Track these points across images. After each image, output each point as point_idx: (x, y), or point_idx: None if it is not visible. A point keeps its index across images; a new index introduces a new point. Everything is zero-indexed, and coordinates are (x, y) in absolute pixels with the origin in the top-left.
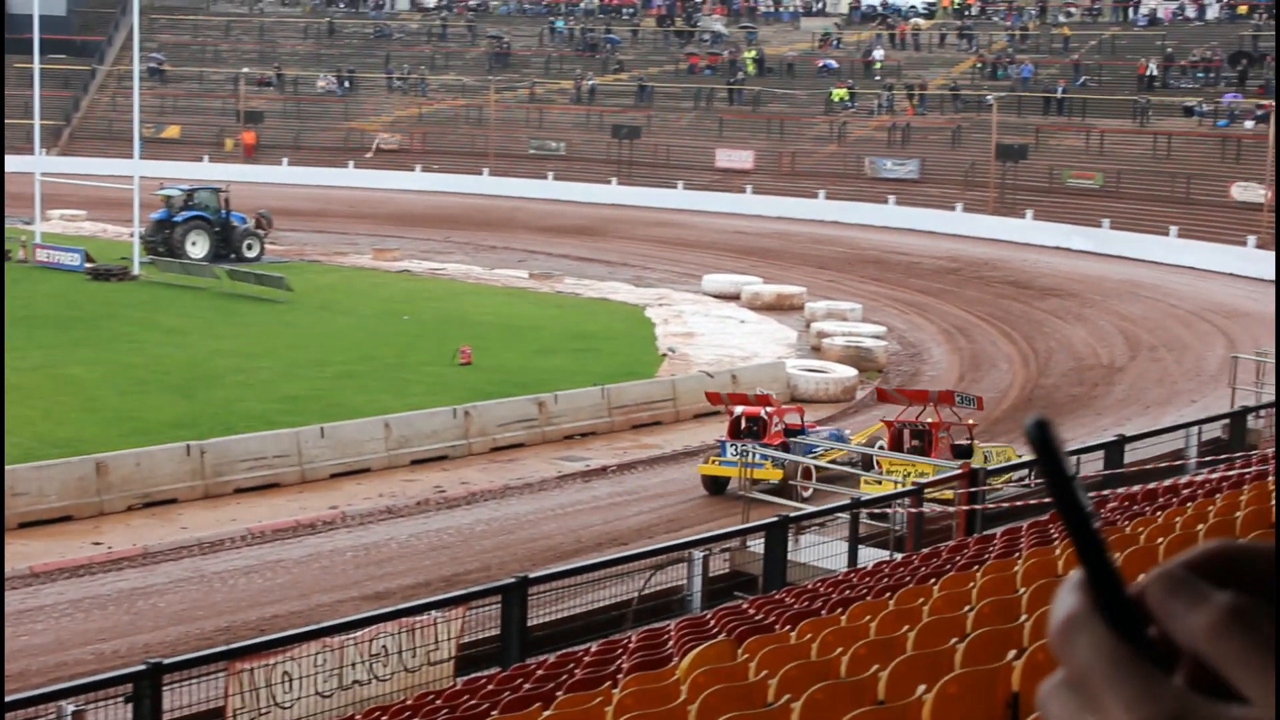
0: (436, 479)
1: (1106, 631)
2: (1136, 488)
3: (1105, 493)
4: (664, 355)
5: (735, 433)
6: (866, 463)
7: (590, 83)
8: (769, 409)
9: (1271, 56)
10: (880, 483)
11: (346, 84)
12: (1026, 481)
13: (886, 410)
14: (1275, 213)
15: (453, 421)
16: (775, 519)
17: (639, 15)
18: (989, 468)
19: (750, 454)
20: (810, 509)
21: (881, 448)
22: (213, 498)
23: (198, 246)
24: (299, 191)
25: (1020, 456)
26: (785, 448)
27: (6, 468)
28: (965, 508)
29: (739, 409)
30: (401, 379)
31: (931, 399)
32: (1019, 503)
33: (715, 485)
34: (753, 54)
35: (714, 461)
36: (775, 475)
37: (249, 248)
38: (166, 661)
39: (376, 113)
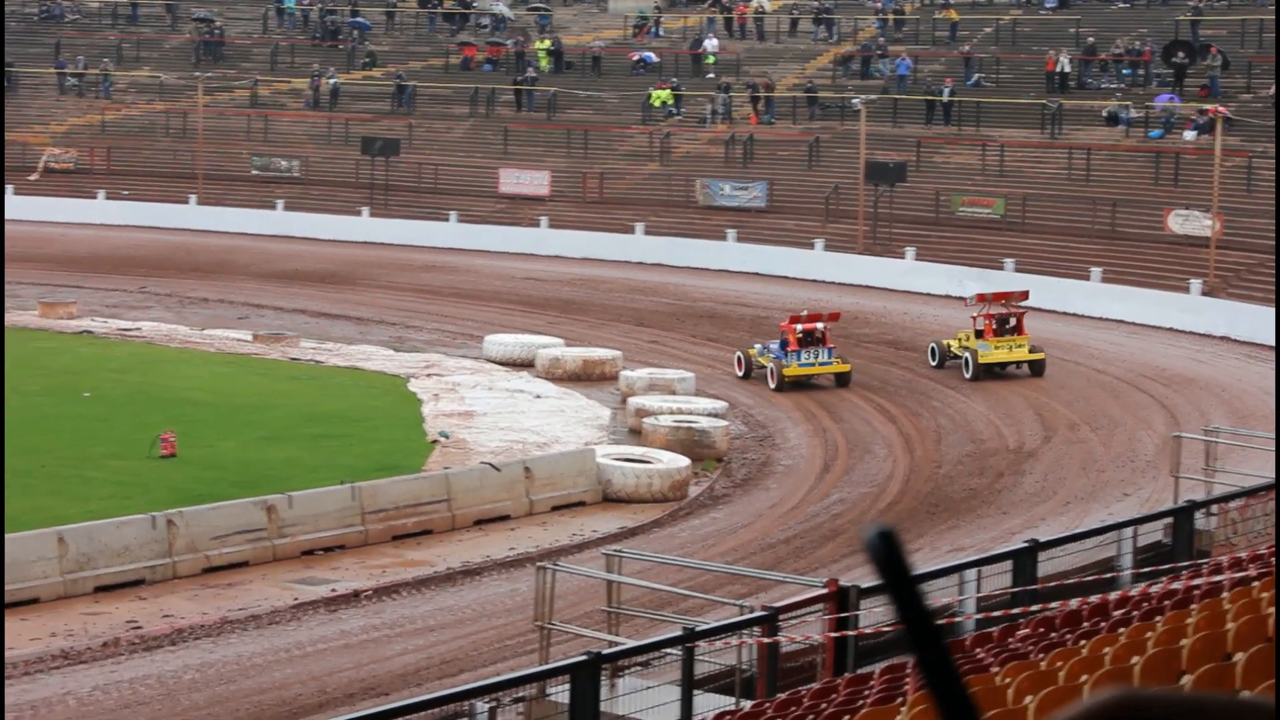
0: (130, 611)
1: None
2: (1054, 608)
3: (1013, 615)
4: (434, 442)
5: (801, 343)
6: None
7: (332, 81)
8: (822, 325)
9: (1216, 48)
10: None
11: (3, 82)
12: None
13: None
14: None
15: (151, 533)
16: (583, 656)
17: None
18: (861, 586)
19: (819, 355)
20: (628, 643)
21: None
22: None
23: None
24: None
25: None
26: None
27: None
28: (833, 635)
29: (800, 326)
30: (81, 477)
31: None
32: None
33: (796, 385)
34: (547, 44)
35: (795, 366)
36: (846, 368)
37: None
38: None
39: (44, 120)
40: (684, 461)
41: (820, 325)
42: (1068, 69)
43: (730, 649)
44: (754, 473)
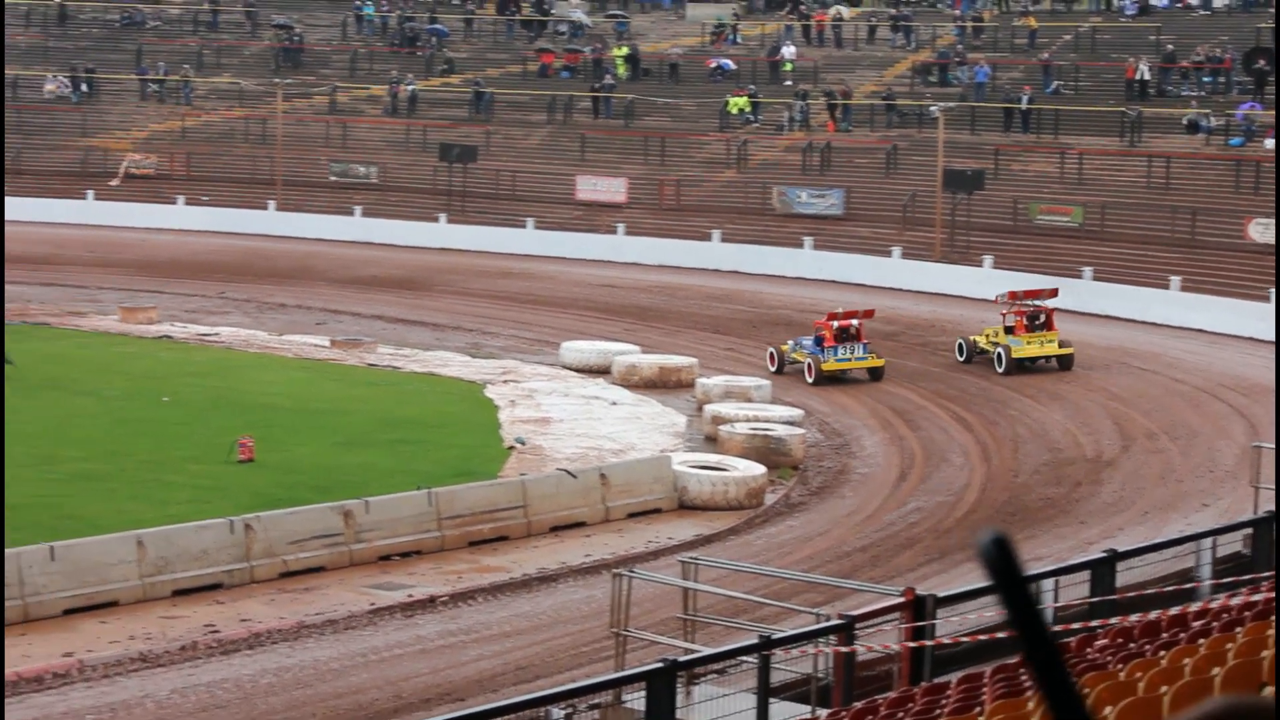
0: (208, 615)
1: None
2: (1133, 619)
3: (1091, 626)
4: (511, 449)
5: (837, 338)
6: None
7: (410, 88)
8: (857, 321)
9: None
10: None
11: (84, 88)
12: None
13: None
14: (1276, 250)
15: (229, 538)
16: (659, 663)
17: (474, 1)
18: (939, 595)
19: (854, 350)
20: (703, 650)
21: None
22: None
23: None
24: (20, 230)
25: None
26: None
27: None
28: (910, 644)
29: (836, 323)
30: (160, 481)
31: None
32: (982, 636)
33: (832, 379)
34: (624, 51)
35: (832, 361)
36: (880, 363)
37: None
38: None
39: (125, 126)
40: (760, 469)
41: (855, 322)
42: (1147, 76)
43: (806, 657)
44: (830, 480)
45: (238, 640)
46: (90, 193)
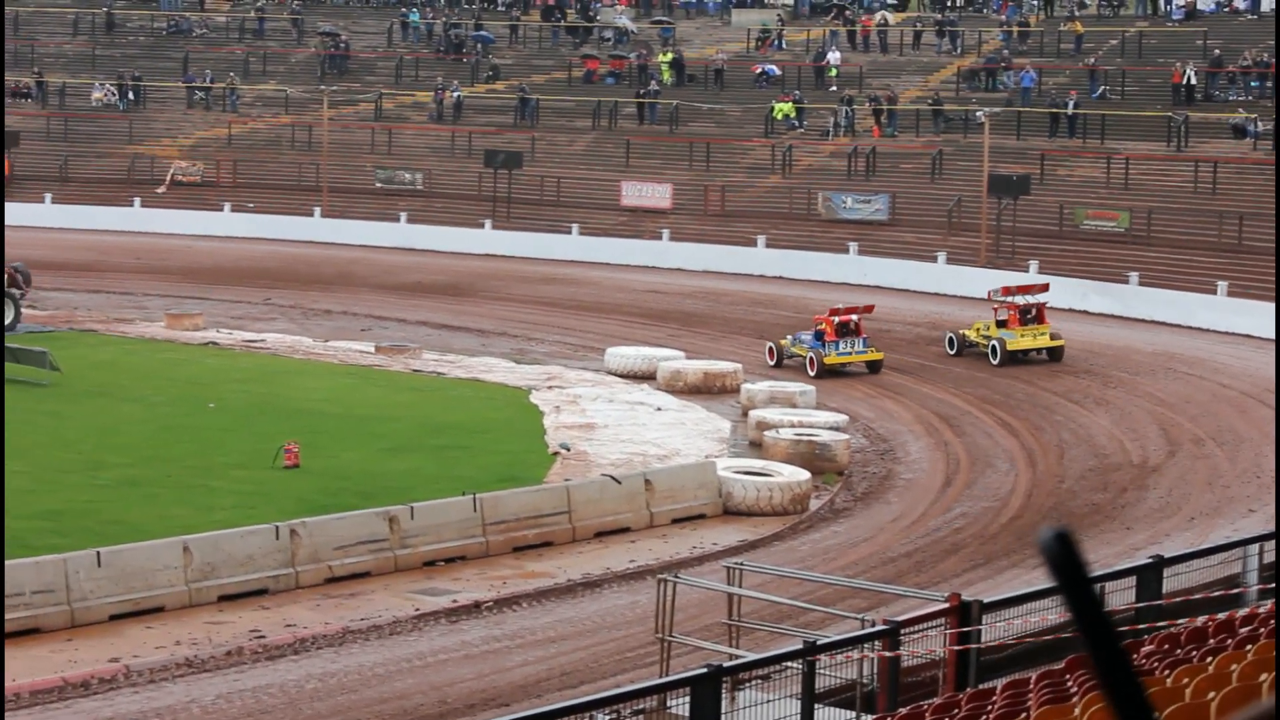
0: (253, 620)
1: None
2: (1180, 624)
3: (1138, 631)
4: (555, 454)
5: (838, 333)
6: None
7: (455, 94)
8: (856, 316)
9: None
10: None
11: (131, 95)
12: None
13: None
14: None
15: (274, 544)
16: (704, 669)
17: (519, 7)
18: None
19: (854, 345)
20: (748, 656)
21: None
22: None
23: None
24: (67, 238)
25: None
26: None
27: None
28: (956, 648)
29: (837, 318)
30: (206, 487)
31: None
32: (1028, 640)
33: (832, 372)
34: (669, 57)
35: (833, 355)
36: (879, 356)
37: None
38: None
39: (171, 134)
40: (805, 475)
41: (855, 317)
42: (1194, 81)
43: (851, 663)
44: (875, 486)
45: (283, 645)
46: (137, 200)
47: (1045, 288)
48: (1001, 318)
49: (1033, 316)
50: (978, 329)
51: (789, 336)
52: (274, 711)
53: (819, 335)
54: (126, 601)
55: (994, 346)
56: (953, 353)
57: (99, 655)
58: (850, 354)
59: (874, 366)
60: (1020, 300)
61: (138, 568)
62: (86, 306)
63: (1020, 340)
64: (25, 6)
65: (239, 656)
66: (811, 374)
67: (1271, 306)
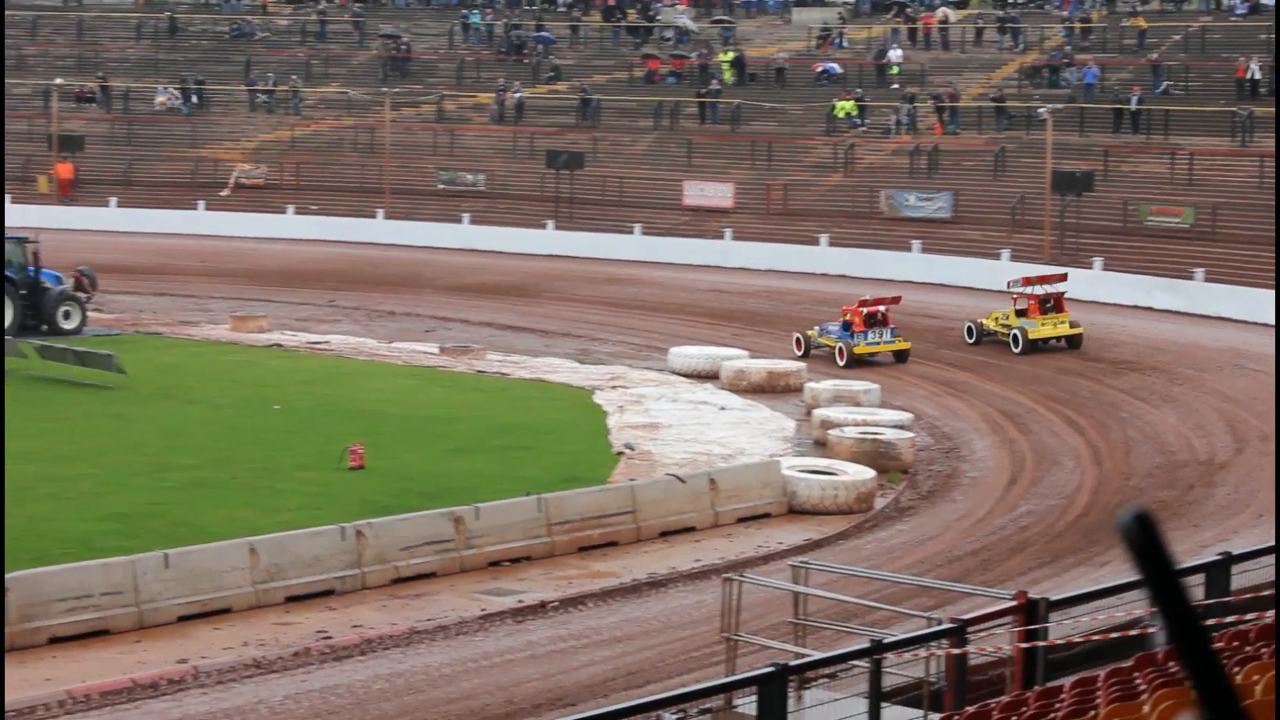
0: (320, 621)
1: None
2: (1249, 619)
3: (1207, 627)
4: (620, 454)
5: (866, 323)
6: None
7: (517, 95)
8: (884, 307)
9: None
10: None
11: (194, 99)
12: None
13: None
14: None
15: (340, 545)
16: (770, 668)
17: (580, 7)
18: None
19: (883, 335)
20: (815, 655)
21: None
22: (20, 650)
23: None
24: (132, 241)
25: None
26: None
27: None
28: (1023, 645)
29: (865, 309)
30: (271, 488)
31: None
32: (1096, 637)
33: (860, 360)
34: (730, 56)
35: (863, 344)
36: (906, 346)
37: (66, 316)
38: None
39: (234, 137)
40: (869, 473)
41: (882, 308)
42: (1258, 76)
43: (918, 661)
44: (940, 484)
45: (350, 646)
46: (201, 203)
47: (1063, 278)
48: (1021, 307)
49: (1052, 305)
50: (995, 318)
51: (816, 327)
52: (341, 712)
53: (846, 326)
54: (194, 603)
55: (1015, 335)
56: (971, 341)
57: (167, 656)
58: (879, 343)
59: (901, 356)
60: (1039, 290)
61: (205, 569)
62: (152, 309)
63: (1041, 329)
64: (89, 12)
65: (306, 657)
66: (841, 364)
67: None
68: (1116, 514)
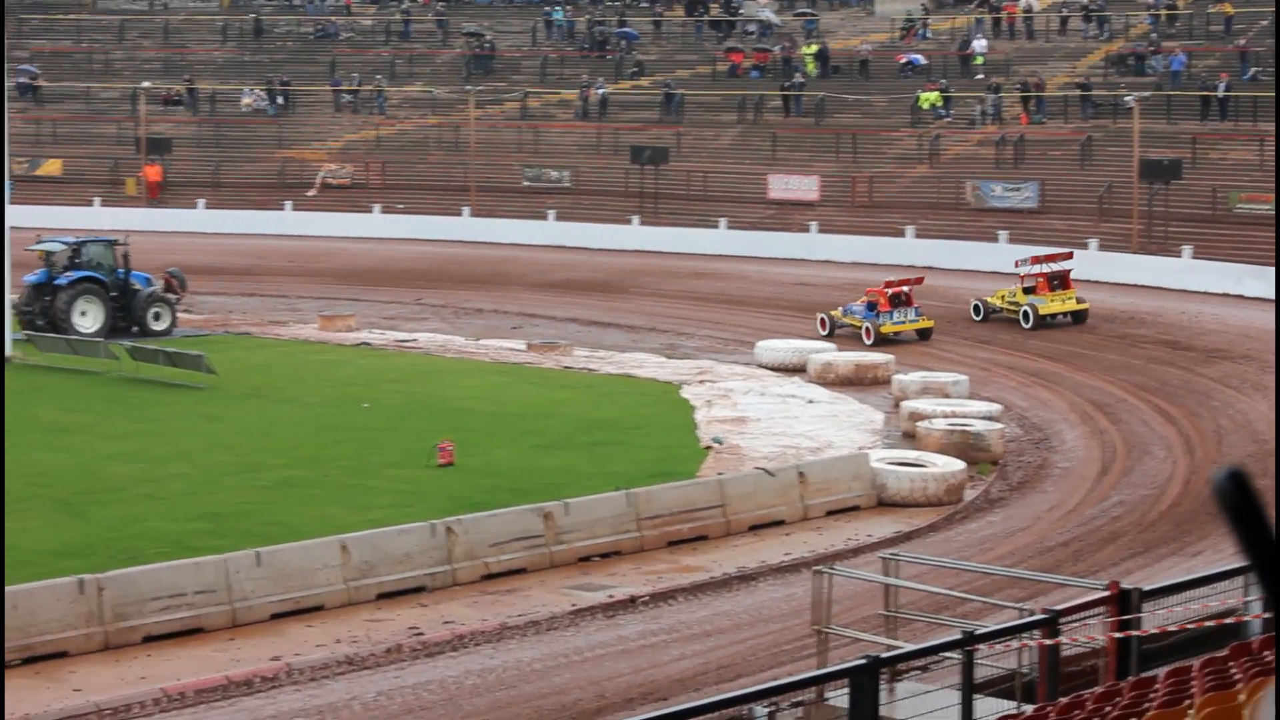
0: (411, 618)
1: None
2: None
3: None
4: (708, 448)
5: (892, 303)
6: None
7: (600, 92)
8: (908, 288)
9: None
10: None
11: (280, 101)
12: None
13: None
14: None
15: (431, 541)
16: (862, 660)
17: (663, 3)
18: (1144, 589)
19: (907, 314)
20: (906, 647)
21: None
22: (115, 649)
23: (88, 317)
24: (221, 243)
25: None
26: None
27: None
28: (1116, 635)
29: (890, 289)
30: (362, 486)
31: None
32: (1190, 626)
33: (885, 339)
34: (814, 49)
35: (888, 324)
36: (929, 324)
37: (156, 318)
38: None
39: (320, 138)
40: (959, 465)
41: (906, 288)
42: None
43: (1010, 652)
44: (1030, 475)
45: (441, 642)
46: (288, 204)
47: (1069, 255)
48: (1029, 285)
49: (1059, 283)
50: (1002, 296)
51: (840, 308)
52: (434, 708)
53: (871, 306)
54: (286, 600)
55: (1025, 312)
56: (978, 319)
57: (261, 654)
58: (904, 322)
59: (924, 334)
60: (1047, 269)
61: (297, 567)
62: (241, 310)
63: (1050, 305)
64: (176, 15)
65: (398, 654)
66: (868, 343)
67: None
68: (1211, 472)
